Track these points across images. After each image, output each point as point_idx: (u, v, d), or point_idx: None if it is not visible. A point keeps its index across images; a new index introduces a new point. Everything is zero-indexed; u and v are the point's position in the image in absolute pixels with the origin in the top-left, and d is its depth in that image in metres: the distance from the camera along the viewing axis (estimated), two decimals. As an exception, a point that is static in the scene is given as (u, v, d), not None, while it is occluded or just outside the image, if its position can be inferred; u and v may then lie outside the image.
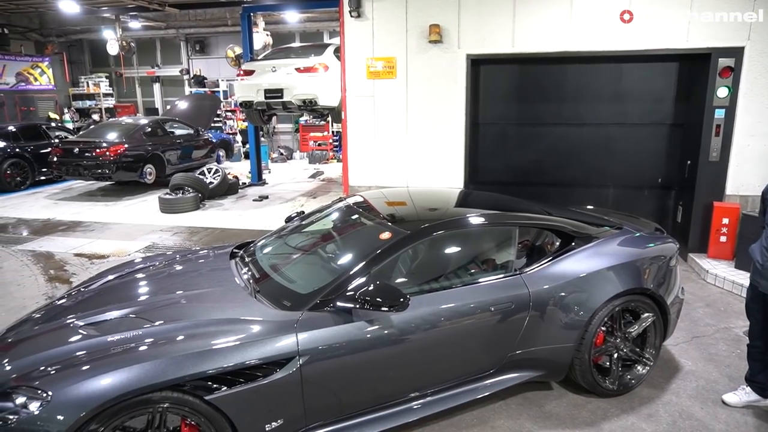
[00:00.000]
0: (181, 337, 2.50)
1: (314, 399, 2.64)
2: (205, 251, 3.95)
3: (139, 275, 3.45)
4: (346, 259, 3.19)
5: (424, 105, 6.57)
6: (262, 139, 14.02)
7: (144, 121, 11.51)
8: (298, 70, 9.09)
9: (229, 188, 10.60)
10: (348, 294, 2.72)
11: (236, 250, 3.76)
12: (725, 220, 5.87)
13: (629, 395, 3.46)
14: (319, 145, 16.23)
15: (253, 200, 10.07)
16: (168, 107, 15.56)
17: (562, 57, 6.24)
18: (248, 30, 11.35)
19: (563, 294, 3.22)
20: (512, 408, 3.33)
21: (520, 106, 6.82)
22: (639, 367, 3.51)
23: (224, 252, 3.76)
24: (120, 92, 19.44)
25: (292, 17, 15.55)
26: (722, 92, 5.86)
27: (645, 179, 6.71)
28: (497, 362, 3.18)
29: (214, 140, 13.36)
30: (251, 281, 3.09)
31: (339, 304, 2.69)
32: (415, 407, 2.97)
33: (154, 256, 3.98)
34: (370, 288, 2.65)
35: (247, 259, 3.46)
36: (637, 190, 6.75)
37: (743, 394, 3.39)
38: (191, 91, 17.57)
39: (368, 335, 2.72)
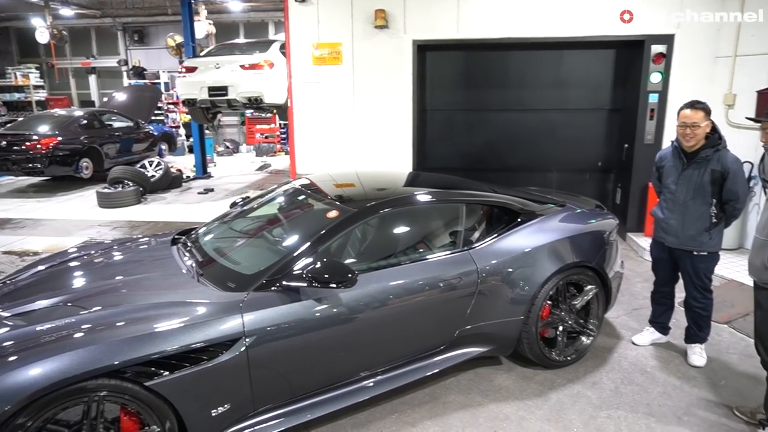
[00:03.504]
0: (119, 323, 2.36)
1: (262, 381, 2.57)
2: (145, 239, 3.78)
3: (73, 264, 3.26)
4: (292, 239, 3.12)
5: (371, 91, 6.54)
6: (207, 132, 13.62)
7: (79, 112, 10.92)
8: (242, 67, 8.93)
9: (172, 182, 10.22)
10: (295, 273, 2.66)
11: (178, 237, 3.61)
12: (652, 209, 6.14)
13: (574, 366, 3.56)
14: (267, 137, 15.93)
15: (198, 193, 9.76)
16: (105, 99, 14.83)
17: (506, 43, 6.35)
18: (189, 18, 10.96)
19: (510, 269, 3.28)
20: (463, 384, 3.37)
21: (466, 93, 6.90)
22: (583, 338, 3.62)
23: (165, 239, 3.60)
24: (52, 84, 18.38)
25: (235, 6, 15.16)
26: (655, 77, 6.13)
27: (586, 163, 6.95)
28: (448, 338, 3.20)
29: (155, 133, 12.84)
30: (194, 266, 2.97)
31: (285, 283, 2.63)
32: (366, 386, 2.94)
33: (89, 245, 3.77)
34: (318, 265, 2.60)
35: (189, 245, 3.33)
36: (578, 174, 6.97)
37: (648, 334, 3.88)
38: (130, 83, 16.82)
39: (317, 314, 2.67)
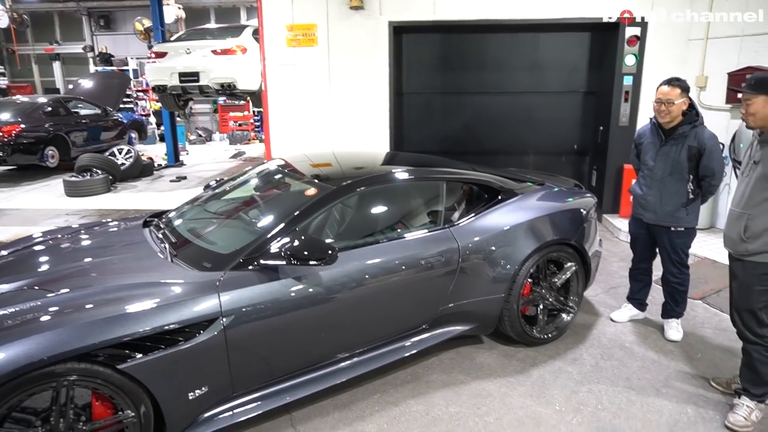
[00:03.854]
0: (89, 305, 2.25)
1: (241, 363, 2.49)
2: (115, 222, 3.64)
3: (39, 248, 3.12)
4: (269, 218, 3.04)
5: (347, 74, 6.43)
6: (179, 119, 13.30)
7: (43, 99, 10.53)
8: (214, 52, 8.73)
9: (143, 170, 9.95)
10: (273, 251, 2.58)
11: (150, 219, 3.49)
12: (630, 186, 6.22)
13: (555, 343, 3.58)
14: (240, 125, 15.65)
15: (171, 181, 9.53)
16: (71, 87, 14.33)
17: (483, 25, 6.31)
18: (158, 2, 10.61)
19: (491, 246, 3.26)
20: (445, 363, 3.35)
21: (443, 76, 6.85)
22: (564, 315, 3.63)
23: (136, 222, 3.48)
24: (14, 71, 17.71)
25: (205, -10, 14.77)
26: (630, 60, 6.18)
27: (562, 146, 6.99)
28: (430, 317, 3.17)
29: (124, 121, 12.49)
30: (168, 247, 2.87)
31: (263, 261, 2.55)
32: (347, 367, 2.89)
33: (55, 230, 3.61)
34: (296, 243, 2.53)
35: (162, 227, 3.22)
36: (555, 157, 7.01)
37: (626, 311, 3.92)
38: (97, 70, 16.29)
39: (296, 293, 2.60)
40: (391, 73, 6.43)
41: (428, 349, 3.24)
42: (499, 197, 3.52)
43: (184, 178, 9.74)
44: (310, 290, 2.64)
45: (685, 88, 3.31)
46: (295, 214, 2.77)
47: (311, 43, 6.34)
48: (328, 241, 2.99)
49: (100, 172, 8.76)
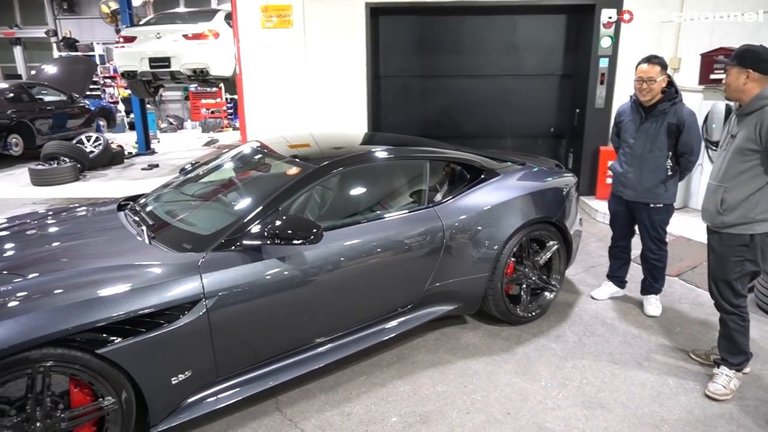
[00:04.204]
0: (62, 288, 2.15)
1: (225, 346, 2.42)
2: (86, 207, 3.50)
3: (4, 234, 2.97)
4: (250, 198, 2.95)
5: (324, 56, 6.32)
6: (149, 107, 12.94)
7: (4, 85, 10.10)
8: (186, 36, 8.52)
9: (113, 158, 9.67)
10: (255, 231, 2.51)
11: (125, 203, 3.37)
12: (610, 163, 6.28)
13: (538, 321, 3.60)
14: (213, 112, 15.33)
15: (142, 169, 9.28)
16: (34, 73, 13.79)
17: (460, 6, 6.27)
18: (124, -17, 10.25)
19: (475, 225, 3.24)
20: (430, 343, 3.34)
21: (421, 59, 6.79)
22: (546, 294, 3.65)
23: (110, 206, 3.35)
24: (-29, 57, 16.97)
25: (174, -27, 14.32)
26: (606, 42, 6.22)
27: (539, 129, 7.03)
28: (416, 296, 3.15)
29: (92, 108, 12.09)
30: (145, 229, 2.76)
31: (246, 242, 2.48)
32: (332, 349, 2.85)
33: (21, 215, 3.45)
34: (279, 222, 2.46)
35: (138, 209, 3.11)
36: (532, 140, 7.05)
37: (606, 289, 3.97)
38: (61, 55, 15.70)
39: (280, 274, 2.54)
40: (368, 56, 6.34)
41: (413, 330, 3.23)
42: (482, 176, 3.50)
43: (156, 165, 9.50)
44: (295, 270, 2.58)
45: (663, 65, 3.33)
46: (278, 193, 2.70)
47: (287, 24, 6.20)
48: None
49: (67, 160, 8.47)
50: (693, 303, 3.89)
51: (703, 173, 5.80)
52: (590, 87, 6.35)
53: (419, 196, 3.27)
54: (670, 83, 3.37)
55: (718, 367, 2.88)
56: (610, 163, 3.78)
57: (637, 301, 3.87)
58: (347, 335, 2.92)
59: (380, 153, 3.27)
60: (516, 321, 3.52)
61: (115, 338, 2.11)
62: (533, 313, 3.57)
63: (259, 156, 3.43)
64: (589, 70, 6.31)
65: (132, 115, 11.80)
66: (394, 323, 3.09)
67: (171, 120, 15.55)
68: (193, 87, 15.21)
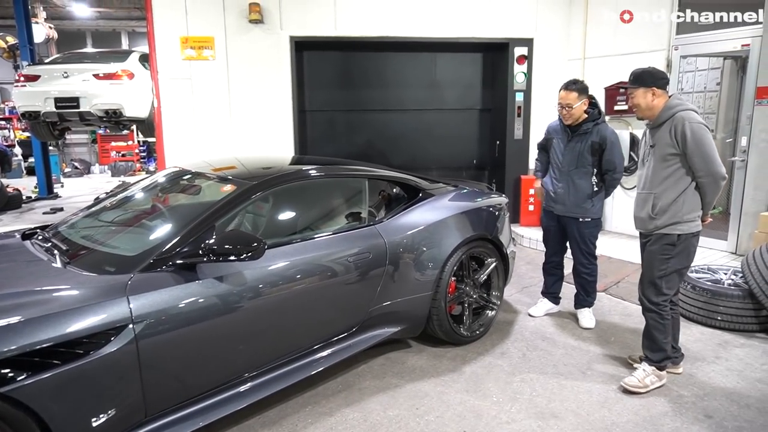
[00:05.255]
0: (-45, 321, 1.83)
1: (156, 378, 2.15)
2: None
3: None
4: (181, 217, 2.70)
5: (248, 89, 6.20)
6: (51, 148, 12.03)
7: None
8: (96, 76, 8.05)
9: (8, 202, 8.82)
10: (188, 250, 2.30)
11: (30, 233, 3.00)
12: (531, 191, 6.57)
13: (482, 340, 3.57)
14: (124, 155, 14.53)
15: (45, 213, 8.53)
16: None
17: (383, 42, 6.43)
18: (25, 17, 9.68)
19: (417, 243, 3.20)
20: (376, 369, 3.19)
21: (346, 93, 6.85)
22: (488, 312, 3.65)
23: (13, 237, 2.97)
24: None
25: (81, 11, 13.73)
26: (520, 78, 6.61)
27: (462, 161, 7.25)
28: (361, 318, 3.01)
29: (-16, 150, 11.06)
30: (59, 255, 2.45)
31: (180, 261, 2.26)
32: (273, 379, 2.61)
33: None
34: (216, 237, 2.28)
35: (48, 236, 2.77)
36: (456, 171, 7.24)
37: (542, 305, 4.05)
38: (-52, 96, 14.37)
39: (218, 294, 2.33)
40: (294, 90, 6.29)
41: (357, 356, 3.09)
42: (420, 195, 3.50)
43: (61, 209, 8.78)
44: (234, 290, 2.38)
45: (582, 89, 3.54)
46: (213, 209, 2.52)
47: (208, 57, 6.04)
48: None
49: (-47, 204, 7.59)
50: (622, 314, 4.05)
51: (615, 198, 6.19)
52: (509, 120, 6.68)
53: (360, 214, 3.19)
54: (593, 104, 3.58)
55: (641, 362, 3.01)
56: (541, 180, 3.92)
57: (572, 315, 3.96)
58: (289, 362, 2.71)
59: (320, 170, 3.18)
60: (460, 341, 3.46)
61: (20, 373, 1.80)
62: (477, 332, 3.54)
63: (188, 176, 3.21)
64: (506, 104, 6.65)
65: (31, 159, 10.86)
66: (339, 347, 2.92)
67: (76, 164, 14.54)
68: (101, 129, 14.40)
